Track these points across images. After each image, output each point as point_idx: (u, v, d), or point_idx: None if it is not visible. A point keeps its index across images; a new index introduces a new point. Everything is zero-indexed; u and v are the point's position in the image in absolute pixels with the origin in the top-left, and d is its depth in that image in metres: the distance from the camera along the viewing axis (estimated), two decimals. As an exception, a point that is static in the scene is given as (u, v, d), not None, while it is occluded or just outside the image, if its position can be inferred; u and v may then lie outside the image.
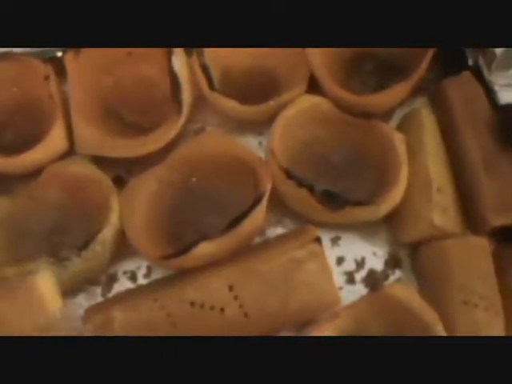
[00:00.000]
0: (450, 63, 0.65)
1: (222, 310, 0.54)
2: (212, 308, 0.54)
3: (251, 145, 0.63)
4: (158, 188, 0.59)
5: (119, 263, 0.60)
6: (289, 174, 0.57)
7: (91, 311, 0.56)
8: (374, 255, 0.60)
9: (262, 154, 0.61)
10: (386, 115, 0.65)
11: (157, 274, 0.60)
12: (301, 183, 0.56)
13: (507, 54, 0.61)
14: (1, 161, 0.60)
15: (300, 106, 0.61)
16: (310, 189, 0.56)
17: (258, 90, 0.64)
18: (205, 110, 0.65)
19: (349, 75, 0.65)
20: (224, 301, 0.54)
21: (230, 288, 0.54)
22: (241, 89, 0.64)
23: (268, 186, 0.56)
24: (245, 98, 0.62)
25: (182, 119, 0.60)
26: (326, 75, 0.62)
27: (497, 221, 0.58)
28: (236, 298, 0.54)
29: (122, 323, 0.54)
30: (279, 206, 0.60)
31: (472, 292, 0.55)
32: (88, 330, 0.53)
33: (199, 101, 0.63)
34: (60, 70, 0.63)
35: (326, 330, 0.54)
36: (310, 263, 0.54)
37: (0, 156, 0.60)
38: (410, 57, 0.63)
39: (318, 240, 0.55)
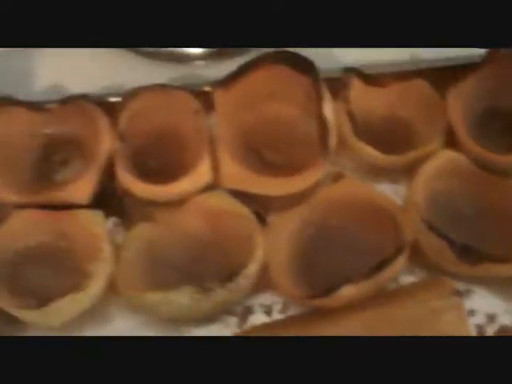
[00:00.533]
0: None
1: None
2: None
3: (387, 193, 0.65)
4: (299, 227, 0.63)
5: (255, 296, 0.63)
6: (430, 226, 0.60)
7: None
8: (506, 312, 0.63)
9: (398, 202, 0.64)
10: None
11: (291, 311, 0.63)
12: (443, 236, 0.60)
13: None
14: (147, 188, 0.64)
15: (439, 161, 0.64)
16: (451, 242, 0.60)
17: (392, 138, 0.68)
18: (343, 154, 0.68)
19: (478, 130, 0.69)
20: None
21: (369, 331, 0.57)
22: (377, 136, 0.68)
23: (411, 236, 0.60)
24: (380, 145, 0.66)
25: (327, 163, 0.64)
26: (462, 130, 0.66)
27: None
28: (374, 341, 0.57)
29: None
30: (413, 255, 0.63)
31: None
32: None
33: (339, 145, 0.67)
34: (206, 104, 0.68)
35: None
36: (448, 314, 0.57)
37: (146, 183, 0.65)
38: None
39: (458, 293, 0.58)
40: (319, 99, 0.64)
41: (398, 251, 0.59)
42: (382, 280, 0.59)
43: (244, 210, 0.63)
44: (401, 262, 0.60)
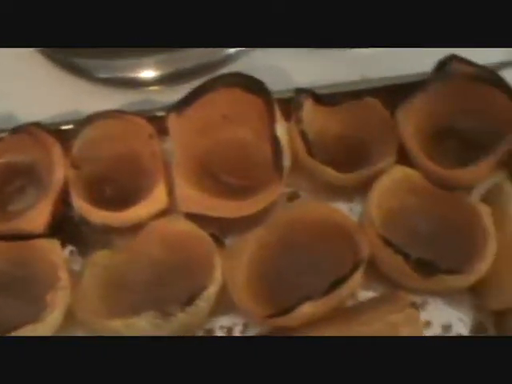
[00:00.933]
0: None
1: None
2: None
3: (342, 210, 0.67)
4: (257, 249, 0.64)
5: (216, 319, 0.64)
6: (386, 242, 0.62)
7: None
8: (460, 321, 0.65)
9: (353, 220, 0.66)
10: (467, 189, 0.70)
11: (252, 332, 0.64)
12: (398, 251, 0.62)
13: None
14: (104, 214, 0.65)
15: (393, 176, 0.66)
16: (406, 256, 0.62)
17: (346, 156, 0.70)
18: (298, 174, 0.70)
19: (433, 147, 0.71)
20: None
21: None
22: (331, 155, 0.70)
23: (367, 252, 0.62)
24: (334, 164, 0.68)
25: (282, 185, 0.66)
26: (414, 146, 0.68)
27: None
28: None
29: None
30: (370, 271, 0.65)
31: None
32: None
33: (293, 165, 0.69)
34: (161, 129, 0.69)
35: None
36: (405, 327, 0.59)
37: (102, 210, 0.65)
38: (493, 130, 0.69)
39: (414, 305, 0.60)
40: (271, 121, 0.66)
41: (355, 267, 0.61)
42: (340, 297, 0.61)
43: (201, 233, 0.64)
44: (358, 278, 0.62)
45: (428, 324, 0.65)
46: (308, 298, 0.59)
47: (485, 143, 0.69)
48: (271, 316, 0.60)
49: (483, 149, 0.68)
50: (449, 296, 0.66)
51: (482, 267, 0.63)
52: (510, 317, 0.64)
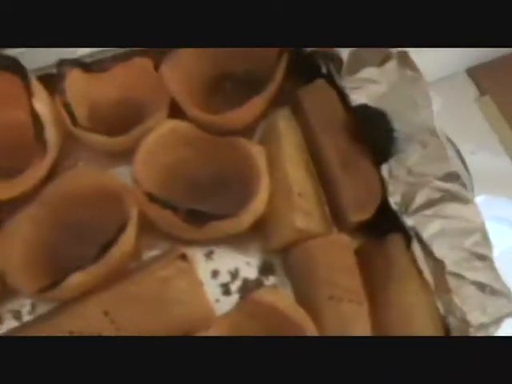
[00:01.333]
0: (306, 72, 0.71)
1: (100, 335, 0.59)
2: (90, 335, 0.59)
3: (125, 176, 0.67)
4: (32, 227, 0.64)
5: (2, 304, 0.64)
6: (152, 198, 0.62)
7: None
8: (248, 265, 0.66)
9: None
10: (250, 130, 0.70)
11: (41, 310, 0.64)
12: (165, 205, 0.62)
13: (352, 59, 0.67)
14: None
15: (160, 131, 0.66)
16: (174, 209, 0.61)
17: (125, 121, 0.69)
18: (76, 146, 0.70)
19: (209, 96, 0.71)
20: (101, 326, 0.59)
21: (106, 313, 0.59)
22: (109, 122, 0.70)
23: (132, 212, 0.62)
24: (114, 131, 0.67)
25: (49, 158, 0.65)
26: (184, 98, 0.68)
27: (355, 217, 0.64)
28: (112, 322, 0.59)
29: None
30: (153, 230, 0.65)
31: (336, 286, 0.61)
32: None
33: (71, 138, 0.68)
34: None
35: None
36: (178, 280, 0.59)
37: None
38: (264, 72, 0.69)
39: (184, 257, 0.60)
40: (30, 96, 0.65)
41: (121, 229, 0.61)
42: (113, 261, 0.61)
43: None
44: (128, 240, 0.62)
45: (216, 273, 0.66)
46: (78, 267, 0.59)
47: (258, 83, 0.69)
48: (42, 290, 0.60)
49: (257, 89, 0.68)
50: (235, 242, 0.66)
51: (255, 207, 0.63)
52: (292, 252, 0.65)
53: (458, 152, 0.76)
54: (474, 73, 0.90)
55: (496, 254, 0.61)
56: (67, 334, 0.59)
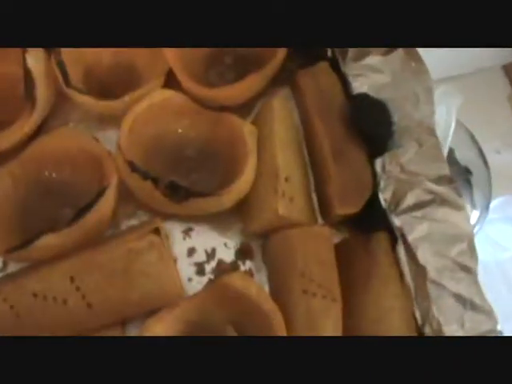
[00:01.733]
0: (310, 53, 0.68)
1: (65, 301, 0.58)
2: (55, 299, 0.58)
3: (112, 140, 0.65)
4: (11, 183, 0.63)
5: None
6: (133, 167, 0.60)
7: None
8: (225, 246, 0.64)
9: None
10: (246, 108, 0.68)
11: (12, 268, 0.63)
12: (145, 176, 0.60)
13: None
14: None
15: (151, 100, 0.64)
16: (155, 181, 0.60)
17: (120, 86, 0.68)
18: (68, 106, 0.69)
19: (208, 69, 0.69)
20: (66, 292, 0.58)
21: (72, 279, 0.58)
22: (104, 86, 0.68)
23: (112, 179, 0.60)
24: (108, 95, 0.66)
25: (36, 116, 0.64)
26: (181, 69, 0.66)
27: (341, 209, 0.62)
28: (78, 289, 0.58)
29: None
30: (133, 199, 0.64)
31: (311, 280, 0.59)
32: None
33: (63, 98, 0.67)
34: None
35: (166, 319, 0.58)
36: (149, 254, 0.58)
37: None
38: (267, 49, 0.66)
39: (157, 231, 0.59)
40: (23, 51, 0.64)
41: (99, 195, 0.59)
42: (88, 227, 0.60)
43: None
44: (105, 207, 0.60)
45: (192, 251, 0.64)
46: (50, 229, 0.58)
47: (258, 60, 0.66)
48: (11, 250, 0.59)
49: (256, 66, 0.65)
50: (215, 221, 0.65)
51: (239, 187, 0.61)
52: (271, 238, 0.63)
53: (479, 150, 0.73)
54: (510, 70, 0.85)
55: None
56: (30, 296, 0.58)
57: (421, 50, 0.64)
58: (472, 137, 0.73)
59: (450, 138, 0.64)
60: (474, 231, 0.66)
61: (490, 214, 0.71)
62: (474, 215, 0.69)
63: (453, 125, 0.64)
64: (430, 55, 0.64)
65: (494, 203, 0.72)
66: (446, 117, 0.64)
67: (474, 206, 0.70)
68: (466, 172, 0.70)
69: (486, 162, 0.73)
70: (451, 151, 0.68)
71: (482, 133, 0.73)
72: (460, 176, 0.69)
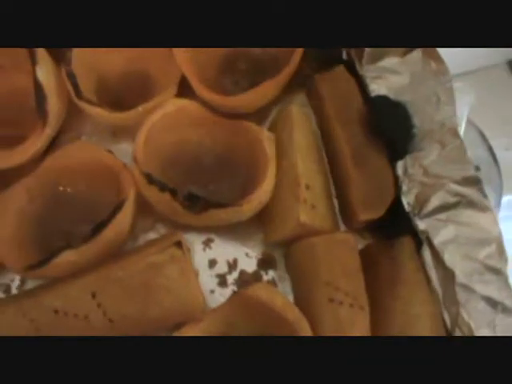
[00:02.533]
0: (327, 58, 0.68)
1: (86, 317, 0.57)
2: (76, 316, 0.57)
3: (126, 152, 0.64)
4: (27, 199, 0.63)
5: (-8, 278, 0.64)
6: (150, 179, 0.59)
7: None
8: (247, 256, 0.64)
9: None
10: (261, 114, 0.67)
11: (30, 285, 0.63)
12: (163, 188, 0.59)
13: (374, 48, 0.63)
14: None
15: (165, 110, 0.64)
16: (173, 193, 0.59)
17: (133, 95, 0.67)
18: (80, 118, 0.68)
19: (221, 75, 0.68)
20: (87, 308, 0.57)
21: (93, 295, 0.57)
22: (117, 95, 0.68)
23: (129, 192, 0.59)
24: (122, 104, 0.65)
25: (48, 130, 0.63)
26: (194, 77, 0.65)
27: (364, 215, 0.61)
28: (99, 305, 0.57)
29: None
30: (151, 212, 0.63)
31: (337, 289, 0.58)
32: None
33: (75, 110, 0.66)
34: None
35: (191, 334, 0.57)
36: (170, 268, 0.57)
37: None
38: (281, 54, 0.65)
39: (179, 244, 0.58)
40: (33, 64, 0.63)
41: (116, 209, 0.59)
42: (106, 242, 0.59)
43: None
44: (123, 221, 0.60)
45: (213, 262, 0.63)
46: (69, 245, 0.58)
47: (273, 66, 0.66)
48: (30, 267, 0.58)
49: (271, 72, 0.64)
50: (236, 232, 0.64)
51: (259, 196, 0.60)
52: (294, 247, 0.62)
53: (489, 147, 0.72)
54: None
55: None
56: (51, 312, 0.57)
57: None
58: (481, 134, 0.73)
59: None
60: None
61: (501, 212, 0.71)
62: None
63: (464, 122, 0.64)
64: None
65: (504, 200, 0.72)
66: (458, 114, 0.64)
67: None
68: (476, 169, 0.70)
69: (495, 160, 0.72)
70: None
71: (491, 130, 0.73)
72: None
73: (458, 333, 0.56)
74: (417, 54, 0.62)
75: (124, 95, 0.68)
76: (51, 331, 0.58)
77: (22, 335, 0.58)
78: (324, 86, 0.66)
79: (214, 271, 0.63)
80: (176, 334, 0.57)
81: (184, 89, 0.66)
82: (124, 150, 0.65)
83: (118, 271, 0.58)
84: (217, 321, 0.58)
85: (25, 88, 0.67)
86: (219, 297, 0.61)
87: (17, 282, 0.63)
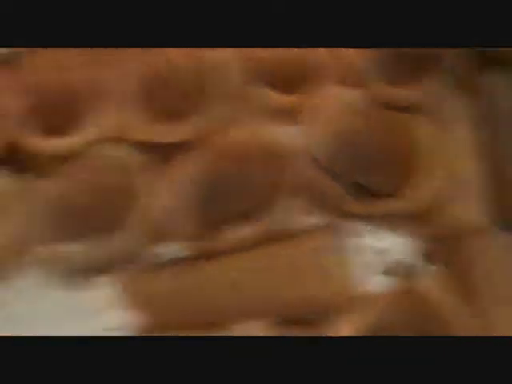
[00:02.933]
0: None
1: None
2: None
3: (288, 135, 0.64)
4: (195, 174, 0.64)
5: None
6: (322, 167, 0.62)
7: None
8: (405, 248, 0.63)
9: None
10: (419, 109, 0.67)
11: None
12: (333, 176, 0.62)
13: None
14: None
15: (339, 99, 0.65)
16: (339, 179, 0.62)
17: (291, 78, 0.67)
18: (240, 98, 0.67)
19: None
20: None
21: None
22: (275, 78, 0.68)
23: (302, 178, 0.62)
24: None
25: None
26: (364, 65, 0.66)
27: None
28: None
29: None
30: (312, 196, 0.63)
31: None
32: None
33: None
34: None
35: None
36: (325, 254, 0.60)
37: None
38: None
39: (335, 230, 0.61)
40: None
41: (288, 193, 0.61)
42: (272, 222, 0.61)
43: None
44: (292, 204, 0.61)
45: (368, 251, 0.63)
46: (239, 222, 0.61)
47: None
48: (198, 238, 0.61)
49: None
50: (394, 222, 0.63)
51: (422, 190, 0.62)
52: (461, 242, 0.62)
53: None
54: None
55: None
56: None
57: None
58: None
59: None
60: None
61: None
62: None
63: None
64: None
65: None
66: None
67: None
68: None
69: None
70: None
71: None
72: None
73: None
74: None
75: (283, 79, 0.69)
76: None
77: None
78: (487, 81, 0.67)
79: (368, 260, 0.63)
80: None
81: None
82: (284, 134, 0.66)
83: (281, 250, 0.61)
84: (369, 312, 0.60)
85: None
86: (373, 287, 0.61)
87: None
